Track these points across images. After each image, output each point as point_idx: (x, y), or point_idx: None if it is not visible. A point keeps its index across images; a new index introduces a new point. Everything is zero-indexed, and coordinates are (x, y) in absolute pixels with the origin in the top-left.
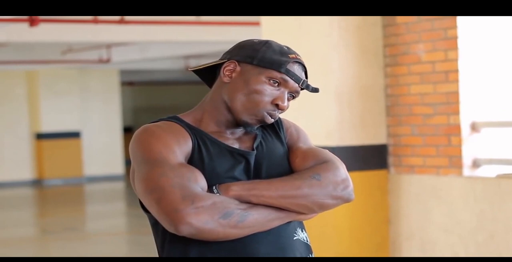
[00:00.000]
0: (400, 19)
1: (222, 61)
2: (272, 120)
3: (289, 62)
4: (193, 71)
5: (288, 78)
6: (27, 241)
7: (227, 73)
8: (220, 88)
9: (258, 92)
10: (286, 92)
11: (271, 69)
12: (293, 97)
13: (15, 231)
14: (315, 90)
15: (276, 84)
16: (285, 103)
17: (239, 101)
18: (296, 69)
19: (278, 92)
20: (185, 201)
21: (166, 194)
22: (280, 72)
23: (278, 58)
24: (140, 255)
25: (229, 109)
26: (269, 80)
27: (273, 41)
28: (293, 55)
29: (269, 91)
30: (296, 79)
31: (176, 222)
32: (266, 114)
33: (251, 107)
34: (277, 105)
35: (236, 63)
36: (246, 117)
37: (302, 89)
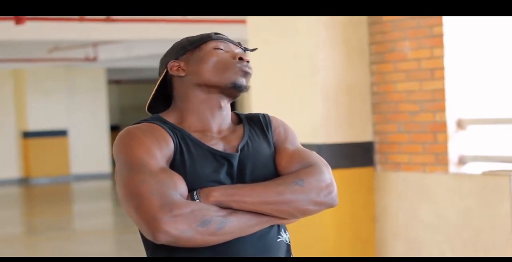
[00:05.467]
0: (386, 16)
1: (163, 76)
2: (250, 71)
3: (211, 33)
4: (150, 105)
5: (227, 42)
6: (14, 240)
7: (179, 70)
8: (182, 85)
9: (216, 57)
10: (237, 51)
11: (205, 43)
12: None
13: (1, 230)
14: (254, 49)
15: (222, 49)
16: (246, 56)
17: (210, 73)
18: (223, 37)
19: (230, 53)
20: (163, 209)
21: (145, 202)
22: (213, 39)
23: (199, 35)
24: (127, 254)
25: (208, 89)
26: (214, 49)
27: None
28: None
29: (223, 53)
30: (231, 41)
31: (154, 231)
32: (239, 67)
33: (223, 69)
34: (240, 59)
35: (174, 62)
36: (228, 79)
37: (244, 50)
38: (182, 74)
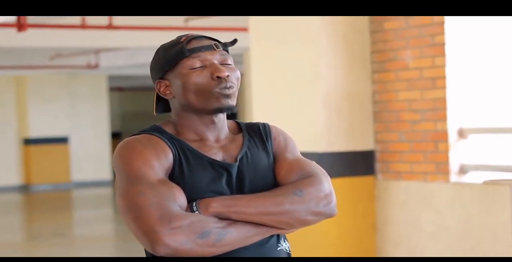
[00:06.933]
0: (388, 25)
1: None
2: (230, 91)
3: (183, 45)
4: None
5: (200, 54)
6: (14, 246)
7: (166, 92)
8: (174, 104)
9: (194, 82)
10: (214, 64)
11: (181, 62)
12: (228, 63)
13: (2, 237)
14: (234, 41)
15: (198, 67)
16: (223, 73)
17: (193, 100)
18: (196, 42)
19: (207, 69)
20: (162, 221)
21: (144, 214)
22: (187, 57)
23: (173, 50)
24: None
25: (197, 111)
26: (190, 69)
27: (164, 43)
28: (184, 37)
29: (199, 75)
30: (205, 48)
31: (153, 243)
32: (218, 91)
33: (204, 96)
34: (218, 78)
35: (160, 82)
36: (211, 105)
37: (226, 50)
38: (170, 96)
